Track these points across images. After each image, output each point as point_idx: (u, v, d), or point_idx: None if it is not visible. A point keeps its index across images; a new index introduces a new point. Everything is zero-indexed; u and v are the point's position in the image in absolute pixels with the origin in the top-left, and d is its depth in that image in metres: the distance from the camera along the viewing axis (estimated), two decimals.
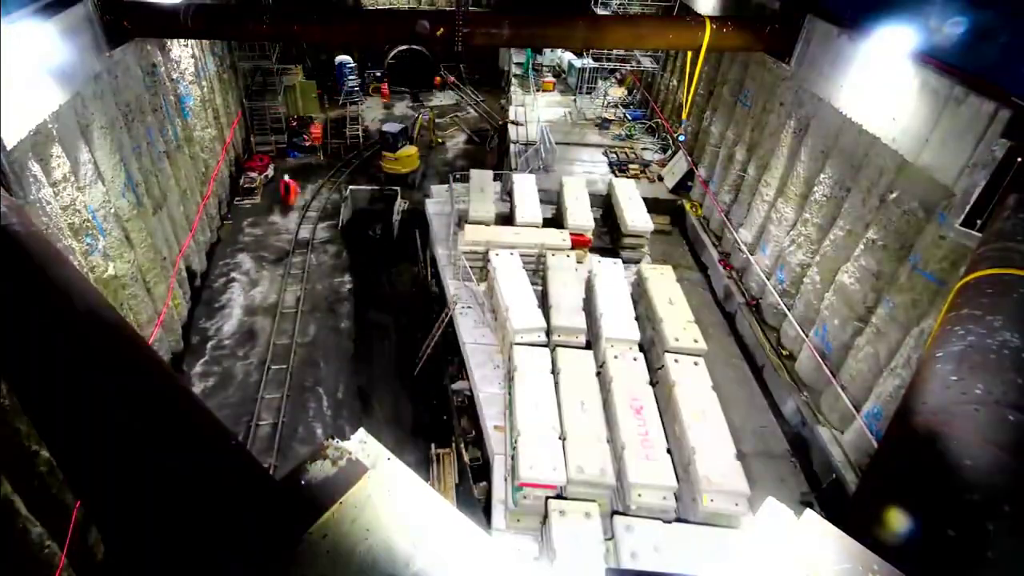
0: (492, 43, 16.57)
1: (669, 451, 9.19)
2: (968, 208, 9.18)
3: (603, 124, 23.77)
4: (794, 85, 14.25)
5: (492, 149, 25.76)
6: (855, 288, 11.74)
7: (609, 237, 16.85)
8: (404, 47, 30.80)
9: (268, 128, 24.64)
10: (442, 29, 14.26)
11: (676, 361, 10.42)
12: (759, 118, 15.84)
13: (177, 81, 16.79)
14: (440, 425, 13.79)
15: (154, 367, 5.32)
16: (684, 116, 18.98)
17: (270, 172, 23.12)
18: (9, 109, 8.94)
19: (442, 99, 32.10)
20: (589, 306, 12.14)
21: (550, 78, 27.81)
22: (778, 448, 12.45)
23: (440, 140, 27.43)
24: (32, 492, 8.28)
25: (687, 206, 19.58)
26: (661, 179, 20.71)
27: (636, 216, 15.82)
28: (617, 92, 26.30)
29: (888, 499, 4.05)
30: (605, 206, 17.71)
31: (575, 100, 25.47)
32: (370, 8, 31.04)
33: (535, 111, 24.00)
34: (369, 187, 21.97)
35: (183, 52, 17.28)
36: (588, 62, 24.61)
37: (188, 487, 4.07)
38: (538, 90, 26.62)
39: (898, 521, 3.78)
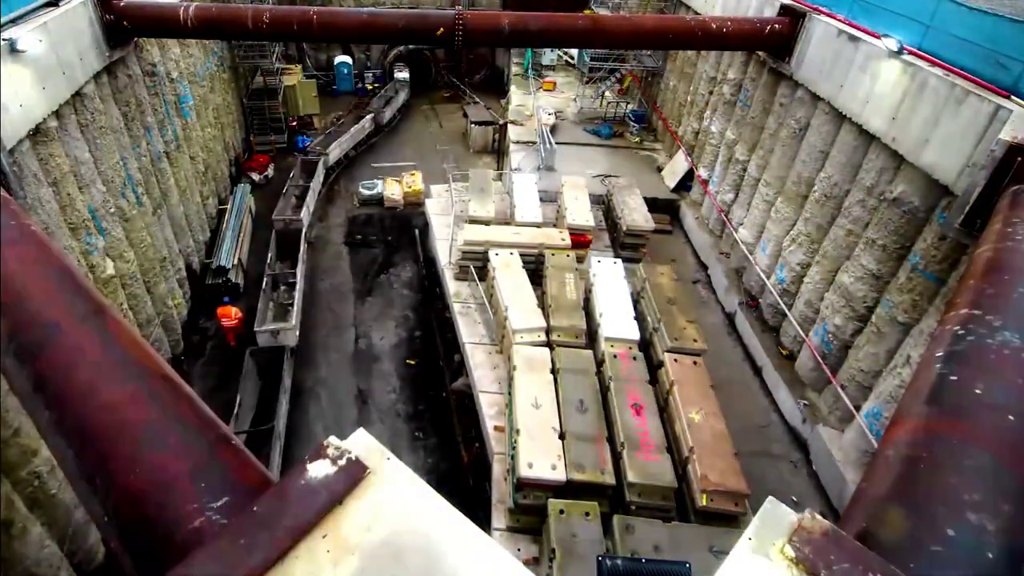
0: (492, 43, 16.57)
1: (669, 451, 9.20)
2: (968, 208, 9.18)
3: (600, 130, 23.42)
4: (794, 85, 14.25)
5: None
6: (855, 288, 11.74)
7: (609, 237, 16.87)
8: (403, 48, 30.80)
9: (268, 128, 24.64)
10: (442, 29, 14.25)
11: (676, 361, 10.43)
12: (759, 118, 15.84)
13: (177, 81, 16.78)
14: (440, 425, 13.80)
15: (154, 366, 5.31)
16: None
17: (270, 172, 23.12)
18: (9, 109, 8.95)
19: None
20: (589, 306, 12.15)
21: (550, 77, 27.82)
22: (778, 448, 12.45)
23: None
24: (32, 492, 8.29)
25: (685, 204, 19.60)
26: None
27: (636, 216, 15.85)
28: (617, 95, 26.29)
29: (888, 499, 4.05)
30: (605, 206, 17.73)
31: (576, 99, 25.49)
32: (370, 8, 31.02)
33: (535, 111, 24.01)
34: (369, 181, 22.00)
35: (183, 52, 17.27)
36: (587, 61, 24.64)
37: (187, 486, 4.07)
38: (538, 90, 26.63)
39: (898, 521, 3.78)
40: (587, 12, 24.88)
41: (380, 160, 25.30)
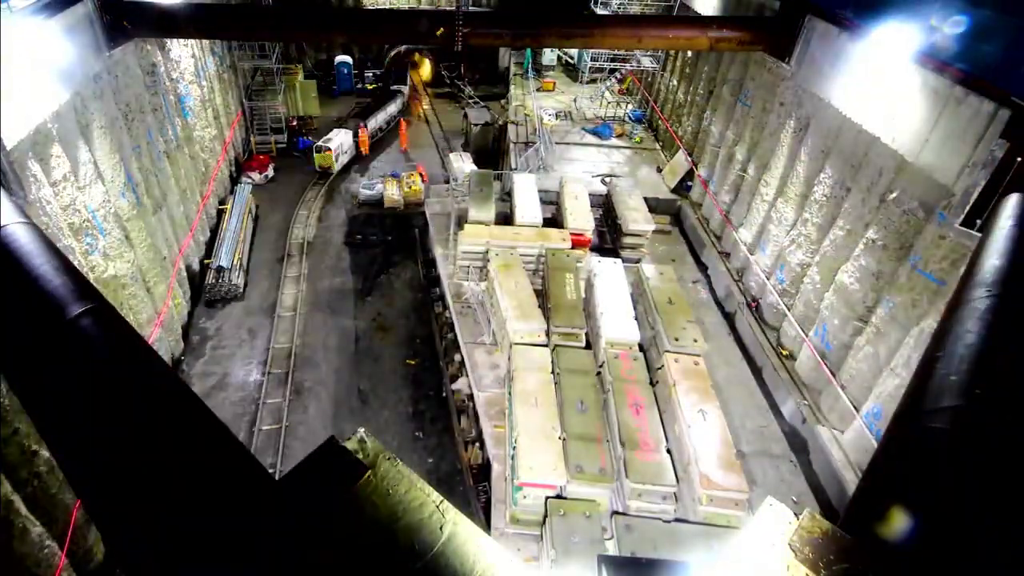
0: (492, 43, 16.60)
1: (669, 451, 9.20)
2: (968, 208, 9.19)
3: (600, 130, 23.44)
4: (794, 85, 14.25)
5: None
6: (855, 288, 11.74)
7: (609, 237, 16.87)
8: (403, 48, 30.89)
9: (268, 128, 24.66)
10: (442, 29, 14.26)
11: (676, 361, 10.42)
12: (759, 118, 15.84)
13: (177, 81, 16.78)
14: (440, 425, 13.81)
15: (153, 367, 5.32)
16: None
17: (270, 172, 23.12)
18: (9, 109, 8.95)
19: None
20: (589, 306, 12.14)
21: (550, 77, 27.84)
22: (778, 448, 12.44)
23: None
24: (32, 492, 8.29)
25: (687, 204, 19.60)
26: None
27: (636, 216, 15.84)
28: (617, 95, 26.32)
29: (887, 499, 4.05)
30: (605, 206, 17.73)
31: (575, 100, 25.51)
32: (370, 8, 31.09)
33: (535, 111, 24.03)
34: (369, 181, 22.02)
35: (183, 52, 17.28)
36: (587, 62, 24.66)
37: (187, 487, 4.08)
38: (538, 90, 26.64)
39: (897, 521, 3.79)
40: (587, 13, 24.88)
41: (379, 161, 25.30)
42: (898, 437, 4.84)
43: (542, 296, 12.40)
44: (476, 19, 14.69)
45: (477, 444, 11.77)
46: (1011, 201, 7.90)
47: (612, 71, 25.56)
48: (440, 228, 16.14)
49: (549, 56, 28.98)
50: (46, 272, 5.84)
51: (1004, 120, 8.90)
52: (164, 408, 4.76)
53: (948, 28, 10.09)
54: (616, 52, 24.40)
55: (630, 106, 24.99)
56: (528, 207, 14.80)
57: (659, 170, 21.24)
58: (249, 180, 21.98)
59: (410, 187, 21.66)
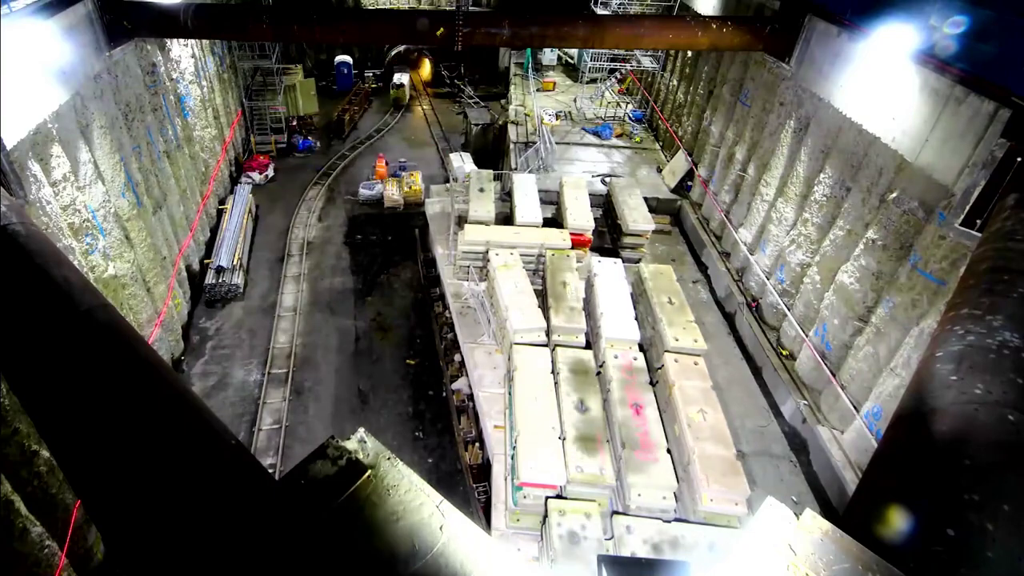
0: (492, 43, 16.59)
1: (669, 451, 9.20)
2: (968, 208, 9.19)
3: (600, 130, 23.38)
4: (794, 85, 14.26)
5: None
6: (855, 288, 11.75)
7: (609, 237, 16.87)
8: (402, 47, 30.94)
9: (268, 128, 24.67)
10: (442, 29, 14.26)
11: (676, 361, 10.43)
12: (759, 118, 15.84)
13: (177, 81, 16.78)
14: (440, 425, 13.81)
15: (154, 366, 5.32)
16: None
17: (270, 172, 23.12)
18: (9, 109, 8.95)
19: None
20: (589, 306, 12.14)
21: (550, 77, 27.84)
22: (778, 448, 12.45)
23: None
24: (32, 492, 8.29)
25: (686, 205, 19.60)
26: None
27: (636, 216, 15.84)
28: (617, 94, 26.33)
29: (887, 499, 4.05)
30: (605, 206, 17.74)
31: (575, 100, 25.52)
32: (370, 8, 31.09)
33: (534, 111, 24.03)
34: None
35: (183, 52, 17.28)
36: (587, 61, 24.67)
37: (188, 487, 4.08)
38: (538, 90, 26.64)
39: (897, 521, 3.79)
40: (587, 13, 24.88)
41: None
42: (898, 437, 4.84)
43: (542, 296, 12.40)
44: (476, 19, 14.68)
45: (477, 444, 11.77)
46: (1011, 201, 7.89)
47: (612, 71, 25.55)
48: (440, 228, 16.14)
49: (549, 56, 28.96)
50: (46, 272, 5.84)
51: (1004, 120, 8.90)
52: (164, 408, 4.76)
53: (948, 28, 10.09)
54: (616, 52, 24.39)
55: (630, 106, 24.99)
56: (528, 207, 14.79)
57: (659, 170, 21.25)
58: (249, 180, 21.97)
59: (410, 187, 21.66)
